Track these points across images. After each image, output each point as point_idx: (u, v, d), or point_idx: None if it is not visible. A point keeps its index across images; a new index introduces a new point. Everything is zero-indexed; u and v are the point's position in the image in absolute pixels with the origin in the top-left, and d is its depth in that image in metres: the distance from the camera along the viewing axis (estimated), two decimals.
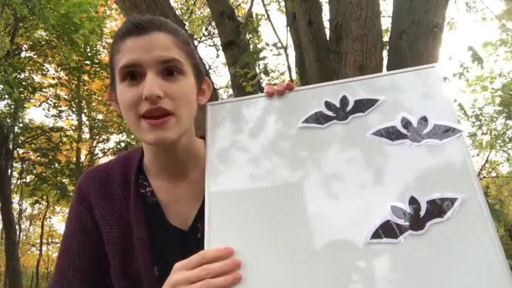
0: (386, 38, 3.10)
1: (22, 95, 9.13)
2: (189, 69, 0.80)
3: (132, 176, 0.85)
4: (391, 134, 0.74)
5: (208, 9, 5.52)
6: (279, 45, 3.82)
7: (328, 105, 0.80)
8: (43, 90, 10.32)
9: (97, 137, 12.47)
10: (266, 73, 3.65)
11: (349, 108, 0.79)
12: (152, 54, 0.75)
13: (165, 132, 0.75)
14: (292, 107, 0.82)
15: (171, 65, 0.77)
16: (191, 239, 0.83)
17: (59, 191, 10.13)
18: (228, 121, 0.83)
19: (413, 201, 0.67)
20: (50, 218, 15.95)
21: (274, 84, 0.85)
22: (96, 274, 0.83)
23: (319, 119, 0.79)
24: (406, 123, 0.75)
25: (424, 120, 0.74)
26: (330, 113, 0.79)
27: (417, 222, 0.66)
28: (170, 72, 0.77)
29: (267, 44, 3.53)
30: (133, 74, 0.76)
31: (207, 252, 0.68)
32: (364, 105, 0.79)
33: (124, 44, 0.76)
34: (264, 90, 0.85)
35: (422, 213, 0.66)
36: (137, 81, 0.75)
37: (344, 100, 0.80)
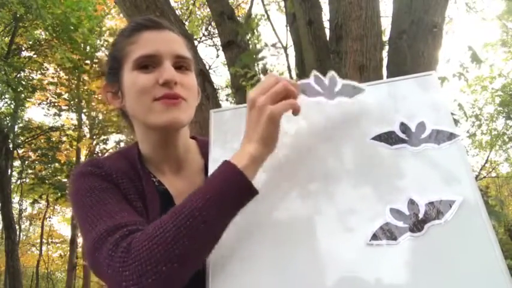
0: (386, 38, 3.10)
1: (22, 94, 9.12)
2: (193, 70, 0.88)
3: (138, 165, 0.85)
4: (390, 138, 0.76)
5: (208, 9, 5.52)
6: (278, 45, 3.82)
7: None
8: (42, 88, 10.31)
9: (97, 137, 12.47)
10: (265, 73, 3.66)
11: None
12: (170, 47, 0.81)
13: (180, 113, 0.80)
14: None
15: (183, 62, 0.83)
16: None
17: (58, 190, 10.14)
18: (231, 128, 0.85)
19: (412, 203, 0.68)
20: (50, 218, 15.99)
21: None
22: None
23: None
24: (405, 129, 0.76)
25: (422, 125, 0.76)
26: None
27: (416, 225, 0.66)
28: (180, 67, 0.83)
29: (266, 45, 3.53)
30: (147, 64, 0.80)
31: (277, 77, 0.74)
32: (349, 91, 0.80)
33: (140, 36, 0.82)
34: None
35: (421, 215, 0.67)
36: (150, 69, 0.80)
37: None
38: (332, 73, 0.78)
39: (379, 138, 0.76)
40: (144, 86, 0.79)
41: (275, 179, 0.76)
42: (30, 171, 11.34)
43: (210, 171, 0.80)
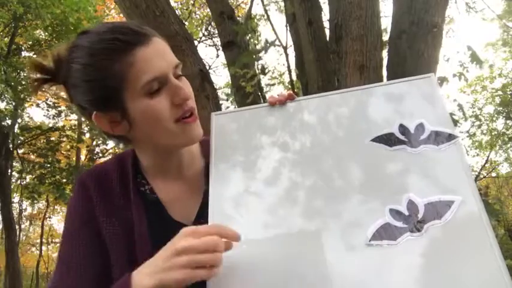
0: (386, 38, 3.11)
1: (22, 94, 9.12)
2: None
3: (129, 174, 0.86)
4: (390, 140, 0.76)
5: (208, 9, 5.53)
6: (276, 42, 3.82)
7: None
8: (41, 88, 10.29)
9: (96, 137, 12.45)
10: (263, 72, 3.67)
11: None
12: (168, 60, 0.75)
13: (198, 127, 0.80)
14: (293, 116, 0.84)
15: (179, 68, 0.78)
16: None
17: (57, 191, 10.14)
18: (233, 131, 0.85)
19: (411, 204, 0.69)
20: (49, 218, 15.99)
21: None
22: (99, 264, 0.80)
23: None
24: (404, 130, 0.77)
25: (421, 126, 0.76)
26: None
27: (415, 225, 0.67)
28: (178, 75, 0.78)
29: (267, 43, 3.53)
30: (158, 87, 0.75)
31: (218, 226, 0.69)
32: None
33: (134, 55, 0.72)
34: (267, 100, 0.87)
35: (420, 215, 0.67)
36: (158, 90, 0.74)
37: None
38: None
39: (378, 139, 0.77)
40: (162, 112, 0.74)
41: (273, 179, 0.76)
42: (30, 172, 11.35)
43: (211, 175, 0.80)
